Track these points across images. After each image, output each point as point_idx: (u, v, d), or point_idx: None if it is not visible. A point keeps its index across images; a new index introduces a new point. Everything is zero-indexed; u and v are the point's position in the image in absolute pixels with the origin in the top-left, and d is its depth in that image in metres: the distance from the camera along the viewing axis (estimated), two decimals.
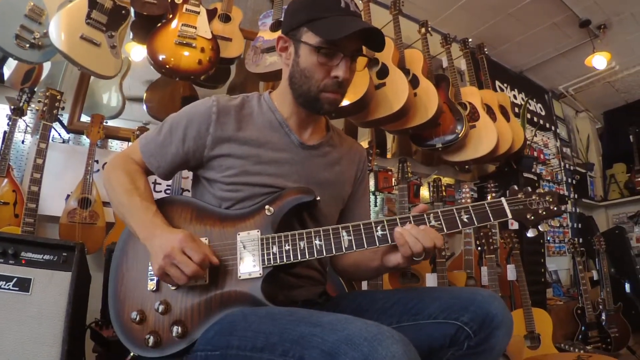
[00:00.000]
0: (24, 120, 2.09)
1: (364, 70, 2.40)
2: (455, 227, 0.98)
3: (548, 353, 2.30)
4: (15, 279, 1.32)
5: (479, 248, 2.67)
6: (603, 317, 3.22)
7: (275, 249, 0.98)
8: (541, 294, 3.39)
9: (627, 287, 4.10)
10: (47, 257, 1.39)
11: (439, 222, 0.98)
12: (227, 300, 0.97)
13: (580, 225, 4.93)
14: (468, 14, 3.89)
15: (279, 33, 2.30)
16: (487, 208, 1.01)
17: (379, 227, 0.97)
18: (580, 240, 3.92)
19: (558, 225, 4.77)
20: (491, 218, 1.00)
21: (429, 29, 3.18)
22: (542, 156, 4.76)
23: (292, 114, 1.18)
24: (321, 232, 0.99)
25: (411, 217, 0.98)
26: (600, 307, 3.28)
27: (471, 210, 1.00)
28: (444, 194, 2.95)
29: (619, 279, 4.13)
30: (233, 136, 1.11)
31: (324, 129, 1.28)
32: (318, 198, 1.06)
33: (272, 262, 0.97)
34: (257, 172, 1.10)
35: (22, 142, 2.14)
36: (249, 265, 0.98)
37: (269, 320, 0.86)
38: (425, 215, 0.99)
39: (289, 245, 0.98)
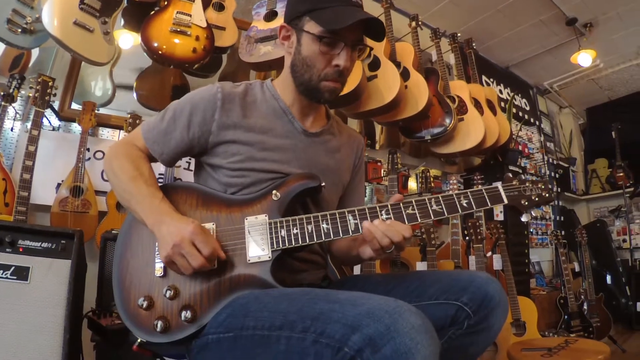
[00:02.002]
0: (14, 107, 2.05)
1: (357, 62, 2.42)
2: (455, 211, 1.02)
3: (534, 338, 2.37)
4: (13, 268, 1.30)
5: (467, 238, 2.73)
6: (585, 307, 3.32)
7: (283, 232, 1.00)
8: (525, 284, 3.47)
9: (608, 278, 4.24)
10: (45, 245, 1.36)
11: (440, 207, 1.01)
12: (236, 284, 0.98)
13: (562, 218, 5.06)
14: (457, 9, 3.94)
15: (272, 23, 2.33)
16: (485, 193, 1.05)
17: (383, 212, 1.00)
18: (563, 232, 4.04)
19: (540, 217, 4.88)
20: (489, 203, 1.04)
21: (419, 23, 3.21)
22: (526, 150, 4.86)
23: (294, 102, 1.20)
24: (328, 215, 1.01)
25: (414, 203, 1.01)
26: (582, 297, 3.37)
27: (470, 196, 1.04)
28: (432, 185, 3.01)
29: (600, 270, 4.27)
30: (238, 123, 1.12)
31: (325, 117, 1.30)
32: (323, 184, 1.08)
33: (280, 245, 0.99)
34: (262, 159, 1.11)
35: (11, 129, 2.10)
36: (257, 249, 0.99)
37: (285, 299, 0.88)
38: (426, 199, 1.02)
39: (297, 229, 1.00)
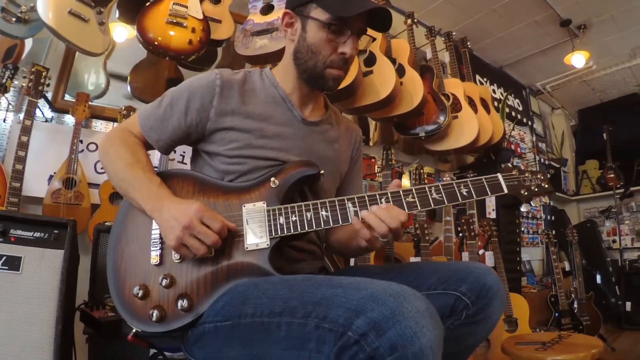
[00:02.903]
0: (6, 98, 2.02)
1: None
2: (455, 200, 1.01)
3: (528, 333, 2.39)
4: (4, 258, 1.26)
5: (460, 234, 2.73)
6: (575, 305, 3.35)
7: (282, 219, 0.99)
8: (517, 282, 3.48)
9: (598, 278, 4.29)
10: (37, 234, 1.34)
11: (440, 195, 1.01)
12: (234, 272, 0.96)
13: (553, 218, 5.10)
14: (453, 8, 3.96)
15: (269, 16, 2.31)
16: (485, 183, 1.05)
17: (383, 199, 0.99)
18: (553, 232, 4.08)
19: (532, 216, 4.91)
20: (488, 192, 1.04)
21: (415, 20, 3.23)
22: (518, 150, 4.90)
23: (294, 90, 1.19)
24: (327, 203, 1.00)
25: (414, 191, 1.00)
26: (573, 295, 3.40)
27: (470, 185, 1.03)
28: (425, 182, 3.01)
29: (590, 270, 4.31)
30: (237, 109, 1.11)
31: (323, 107, 1.30)
32: (322, 172, 1.07)
33: (279, 232, 0.98)
34: (260, 146, 1.10)
35: (4, 120, 2.07)
36: (255, 237, 0.98)
37: (285, 286, 0.86)
38: (426, 187, 1.01)
39: (295, 216, 0.99)
